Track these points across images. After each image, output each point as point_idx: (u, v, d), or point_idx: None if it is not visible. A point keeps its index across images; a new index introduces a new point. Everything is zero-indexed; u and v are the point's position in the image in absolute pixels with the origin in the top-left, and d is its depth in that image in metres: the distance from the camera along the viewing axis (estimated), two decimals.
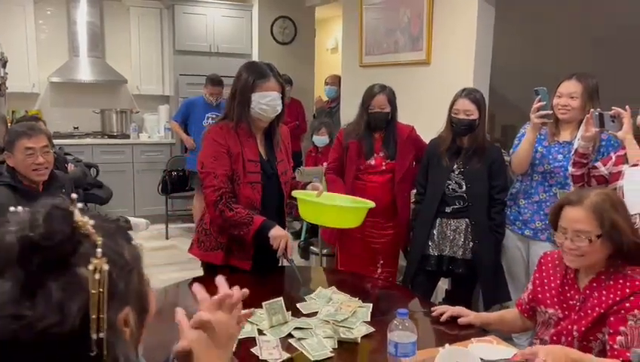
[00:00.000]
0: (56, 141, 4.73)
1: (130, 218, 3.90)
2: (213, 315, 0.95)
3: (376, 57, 4.57)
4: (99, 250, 0.63)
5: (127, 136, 5.97)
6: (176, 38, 5.86)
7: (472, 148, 2.61)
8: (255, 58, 6.25)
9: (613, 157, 2.17)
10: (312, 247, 4.24)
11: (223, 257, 2.18)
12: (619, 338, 1.46)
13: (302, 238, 4.69)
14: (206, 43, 5.94)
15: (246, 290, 1.02)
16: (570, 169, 2.27)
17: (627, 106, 2.14)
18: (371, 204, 2.30)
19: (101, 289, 0.62)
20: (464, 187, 2.62)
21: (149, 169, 5.79)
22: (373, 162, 2.81)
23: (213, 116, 4.80)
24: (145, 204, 5.70)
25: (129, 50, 6.00)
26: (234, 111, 2.14)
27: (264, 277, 2.14)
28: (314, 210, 2.23)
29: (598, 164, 2.21)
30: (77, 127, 5.97)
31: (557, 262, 1.70)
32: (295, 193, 2.22)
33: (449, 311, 1.81)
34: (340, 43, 5.70)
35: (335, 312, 1.80)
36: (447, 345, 1.44)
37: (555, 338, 1.61)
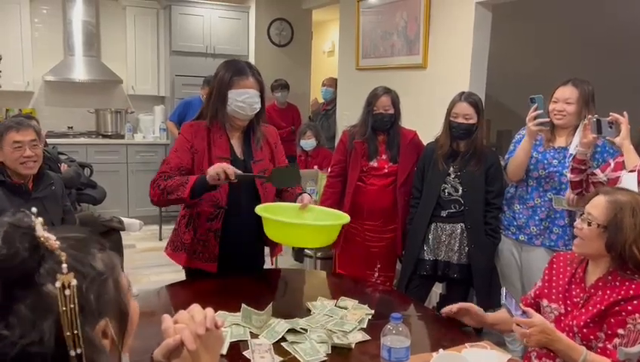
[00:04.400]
0: (50, 140, 4.70)
1: (123, 218, 3.87)
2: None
3: (373, 60, 4.57)
4: (64, 266, 0.61)
5: (122, 137, 5.94)
6: (172, 38, 5.83)
7: (469, 152, 2.60)
8: (252, 60, 6.24)
9: (612, 164, 2.18)
10: (306, 250, 4.22)
11: (186, 259, 2.16)
12: (616, 340, 1.46)
13: None
14: (202, 44, 5.92)
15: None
16: (569, 175, 2.27)
17: (624, 112, 2.14)
18: (345, 219, 2.04)
19: (72, 306, 0.61)
20: (460, 191, 2.61)
21: (144, 169, 5.76)
22: (376, 164, 2.80)
23: None
24: (139, 204, 5.67)
25: (125, 50, 5.98)
26: (210, 108, 2.11)
27: (239, 280, 2.12)
28: (276, 229, 1.95)
29: (597, 170, 2.22)
30: (71, 127, 5.93)
31: (568, 262, 1.73)
32: (258, 209, 1.97)
33: (454, 306, 1.80)
34: (337, 46, 5.69)
35: (341, 321, 1.77)
36: (440, 350, 1.43)
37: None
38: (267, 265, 2.43)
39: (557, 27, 4.89)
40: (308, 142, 4.59)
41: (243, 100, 2.05)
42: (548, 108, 2.45)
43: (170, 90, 5.96)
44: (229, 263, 2.15)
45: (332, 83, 5.40)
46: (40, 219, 0.65)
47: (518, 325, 1.50)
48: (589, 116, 2.20)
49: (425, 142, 2.86)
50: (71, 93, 5.94)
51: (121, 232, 3.75)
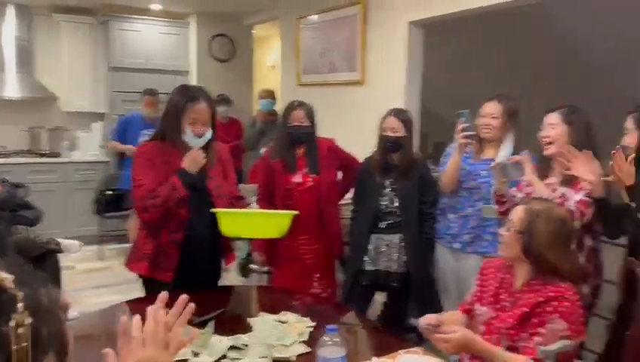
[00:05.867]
0: None
1: (61, 240, 3.75)
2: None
3: (314, 76, 4.67)
4: (19, 305, 0.62)
5: (58, 155, 5.75)
6: (110, 54, 5.74)
7: (403, 166, 2.71)
8: (193, 75, 6.21)
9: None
10: (251, 265, 4.21)
11: (147, 268, 2.27)
12: (536, 338, 1.57)
13: (242, 256, 4.66)
14: (142, 60, 5.85)
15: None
16: (496, 207, 2.44)
17: (526, 151, 2.40)
18: (293, 211, 2.36)
19: (24, 344, 0.61)
20: (396, 203, 2.71)
21: (82, 188, 5.60)
22: (299, 179, 2.82)
23: (150, 133, 4.72)
24: (77, 224, 5.49)
25: (60, 66, 5.82)
26: (165, 132, 2.26)
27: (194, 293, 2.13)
28: (232, 222, 2.24)
29: (514, 190, 2.38)
30: (4, 146, 5.69)
31: (497, 267, 1.83)
32: (213, 210, 2.23)
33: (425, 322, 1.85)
34: (279, 60, 5.77)
35: (282, 335, 1.81)
36: (374, 358, 1.49)
37: (486, 336, 1.70)
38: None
39: (487, 45, 5.15)
40: None
41: (192, 140, 2.21)
42: (475, 122, 2.60)
43: (109, 106, 5.84)
44: (186, 275, 2.25)
45: (269, 94, 5.45)
46: None
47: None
48: (494, 163, 2.39)
49: (362, 155, 2.95)
50: (3, 111, 5.71)
51: (60, 254, 3.63)
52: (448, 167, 2.64)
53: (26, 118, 5.80)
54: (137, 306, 2.15)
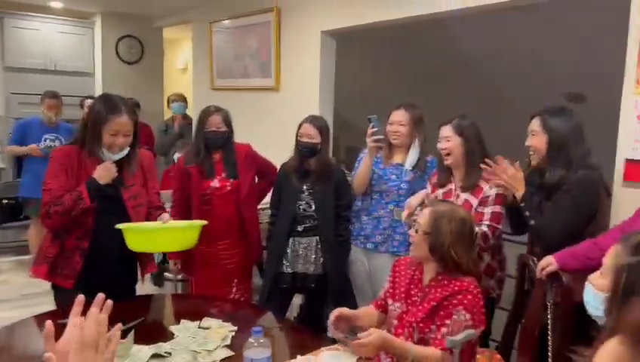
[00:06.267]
0: None
1: None
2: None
3: (227, 81, 4.67)
4: None
5: None
6: (5, 53, 5.35)
7: (319, 171, 2.81)
8: (99, 77, 5.96)
9: (429, 186, 2.60)
10: (165, 273, 4.13)
11: (46, 272, 2.24)
12: (443, 329, 1.72)
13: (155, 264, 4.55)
14: (41, 60, 5.52)
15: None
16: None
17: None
18: (201, 222, 2.34)
19: None
20: (313, 206, 2.80)
21: None
22: (217, 184, 2.83)
23: (52, 137, 4.49)
24: None
25: None
26: (84, 141, 2.21)
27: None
28: (138, 238, 2.18)
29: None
30: None
31: (408, 265, 1.96)
32: (118, 226, 2.16)
33: (335, 314, 1.91)
34: (191, 64, 5.68)
35: (205, 341, 1.82)
36: (298, 356, 1.56)
37: (399, 329, 1.82)
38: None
39: (396, 56, 5.41)
40: None
41: (110, 154, 2.21)
42: (385, 127, 2.76)
43: (4, 108, 5.45)
44: (91, 284, 2.11)
45: (180, 97, 5.37)
46: None
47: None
48: (404, 215, 2.55)
49: (276, 161, 3.02)
50: None
51: None
52: (360, 171, 2.77)
53: None
54: (45, 320, 2.06)
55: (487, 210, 2.36)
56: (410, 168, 2.74)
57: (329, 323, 1.85)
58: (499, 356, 2.10)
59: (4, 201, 4.92)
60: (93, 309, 0.96)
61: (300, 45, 3.91)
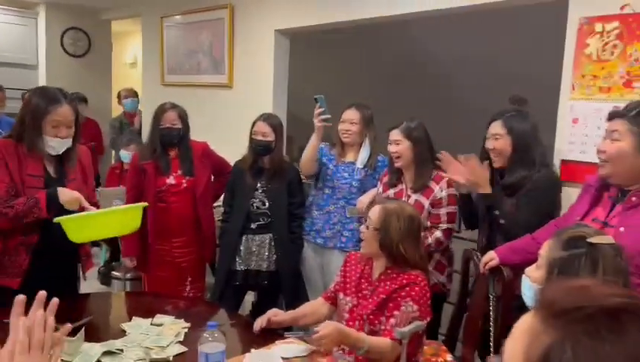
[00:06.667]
0: None
1: None
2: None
3: (179, 77, 4.61)
4: None
5: None
6: None
7: (273, 168, 2.84)
8: (42, 69, 5.75)
9: (381, 185, 2.67)
10: (113, 272, 4.05)
11: None
12: (391, 320, 1.79)
13: (102, 263, 4.44)
14: None
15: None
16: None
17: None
18: (141, 204, 2.27)
19: None
20: (267, 204, 2.83)
21: None
22: (173, 181, 2.82)
23: None
24: None
25: None
26: (25, 136, 2.13)
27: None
28: (78, 227, 2.06)
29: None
30: None
31: (358, 260, 2.02)
32: (56, 219, 2.02)
33: (264, 318, 1.97)
34: (140, 58, 5.57)
35: (158, 337, 1.82)
36: (252, 350, 1.59)
37: (350, 322, 1.88)
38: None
39: (349, 56, 5.51)
40: (129, 155, 4.37)
41: (56, 143, 2.14)
42: (338, 125, 2.82)
43: None
44: (37, 282, 2.05)
45: (132, 93, 5.27)
46: None
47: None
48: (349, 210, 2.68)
49: (228, 158, 3.02)
50: None
51: None
52: (307, 151, 2.82)
53: None
54: None
55: (443, 211, 2.48)
56: (362, 166, 2.81)
57: (255, 326, 1.94)
58: (444, 347, 2.20)
59: None
60: (39, 312, 0.94)
61: (253, 43, 3.92)
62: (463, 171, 2.27)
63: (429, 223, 2.50)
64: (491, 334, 2.07)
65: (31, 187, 2.11)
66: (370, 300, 1.88)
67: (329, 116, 2.74)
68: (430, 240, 2.47)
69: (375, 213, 1.90)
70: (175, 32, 4.61)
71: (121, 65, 7.50)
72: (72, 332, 1.75)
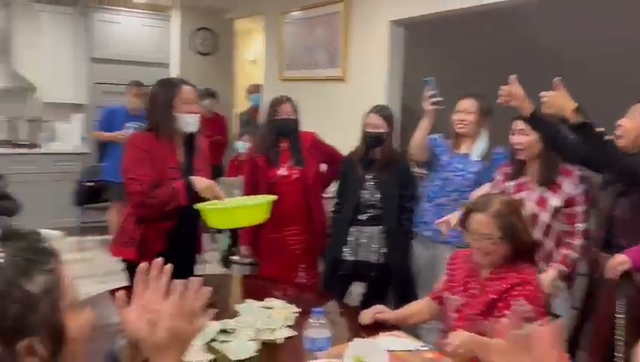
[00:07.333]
0: None
1: (42, 230, 3.76)
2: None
3: (296, 72, 4.74)
4: None
5: (37, 146, 5.72)
6: (91, 45, 5.72)
7: (384, 160, 2.82)
8: (175, 68, 6.23)
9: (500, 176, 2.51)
10: (233, 257, 4.28)
11: (135, 253, 2.32)
12: (503, 319, 1.68)
13: (223, 248, 4.72)
14: (124, 51, 5.85)
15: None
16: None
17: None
18: (271, 197, 2.42)
19: None
20: (377, 196, 2.82)
21: (62, 179, 5.57)
22: (284, 172, 2.91)
23: (135, 125, 4.73)
24: (57, 215, 5.47)
25: (39, 57, 5.76)
26: (157, 124, 2.31)
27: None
28: (217, 216, 2.29)
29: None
30: None
31: (466, 257, 1.93)
32: (197, 206, 2.24)
33: (369, 312, 1.97)
34: (260, 56, 5.82)
35: (269, 320, 1.89)
36: (355, 339, 1.60)
37: (459, 322, 1.82)
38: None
39: (467, 45, 5.28)
40: (243, 145, 4.64)
41: (191, 118, 2.32)
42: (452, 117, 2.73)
43: (89, 97, 5.82)
44: (169, 262, 2.25)
45: (258, 88, 5.55)
46: None
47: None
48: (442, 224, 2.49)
49: (341, 151, 3.05)
50: None
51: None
52: (416, 135, 2.74)
53: (4, 109, 5.75)
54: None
55: (579, 210, 2.28)
56: (477, 159, 2.69)
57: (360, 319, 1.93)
58: (565, 355, 2.04)
59: (88, 184, 5.27)
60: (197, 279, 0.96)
61: (368, 35, 3.91)
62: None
63: (552, 223, 2.31)
64: (619, 343, 1.88)
65: (171, 178, 2.28)
66: (480, 300, 1.80)
67: (440, 99, 2.64)
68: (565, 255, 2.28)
69: (486, 225, 1.75)
70: (293, 28, 4.75)
71: (244, 63, 7.90)
72: None
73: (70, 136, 5.97)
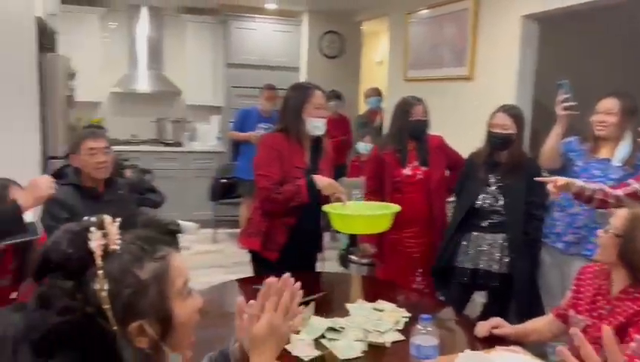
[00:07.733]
0: (114, 147, 5.00)
1: (180, 221, 4.10)
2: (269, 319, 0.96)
3: (420, 72, 4.65)
4: (100, 272, 0.79)
5: (181, 144, 6.27)
6: (228, 51, 6.13)
7: (510, 163, 2.64)
8: (303, 71, 6.44)
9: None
10: (351, 256, 4.33)
11: (259, 244, 2.48)
12: (632, 344, 1.49)
13: (342, 247, 4.79)
14: (257, 56, 6.18)
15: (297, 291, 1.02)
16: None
17: None
18: (396, 208, 2.42)
19: (106, 306, 0.78)
20: (501, 201, 2.65)
21: (200, 176, 6.05)
22: (409, 172, 2.87)
23: (266, 127, 4.97)
24: (194, 209, 5.94)
25: (185, 63, 6.31)
26: (287, 125, 2.47)
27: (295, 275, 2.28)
28: (342, 221, 2.37)
29: (633, 181, 2.25)
30: (135, 135, 6.32)
31: (594, 274, 1.77)
32: (324, 207, 2.36)
33: (486, 325, 1.87)
34: (386, 57, 5.80)
35: (378, 322, 1.88)
36: (467, 350, 1.52)
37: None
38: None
39: (604, 40, 4.79)
40: (365, 146, 4.71)
41: (320, 123, 2.46)
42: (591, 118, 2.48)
43: (226, 100, 6.25)
44: (290, 257, 2.44)
45: (376, 92, 5.54)
46: (110, 222, 0.83)
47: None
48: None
49: (466, 152, 2.92)
50: (135, 104, 6.34)
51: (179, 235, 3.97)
52: (548, 141, 2.57)
53: (153, 110, 6.39)
54: (246, 284, 2.35)
55: None
56: (619, 164, 2.42)
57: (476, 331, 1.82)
58: None
59: (222, 180, 5.66)
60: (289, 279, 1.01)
61: (498, 31, 3.71)
62: None
63: None
64: None
65: (296, 177, 2.40)
66: (607, 321, 1.61)
67: (574, 103, 2.44)
68: None
69: (620, 216, 1.62)
70: (419, 28, 4.67)
71: (370, 65, 7.93)
72: (304, 305, 1.94)
73: (208, 136, 6.48)
